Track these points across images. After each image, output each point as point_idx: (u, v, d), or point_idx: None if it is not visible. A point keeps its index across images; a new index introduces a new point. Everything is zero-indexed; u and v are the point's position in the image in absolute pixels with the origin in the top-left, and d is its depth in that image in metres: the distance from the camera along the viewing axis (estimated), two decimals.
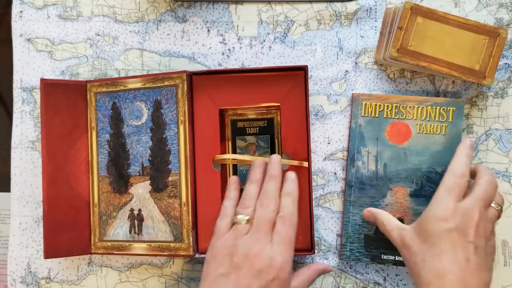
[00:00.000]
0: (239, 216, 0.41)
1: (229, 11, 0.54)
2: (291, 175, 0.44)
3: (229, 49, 0.54)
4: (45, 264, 0.53)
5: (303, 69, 0.48)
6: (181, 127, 0.48)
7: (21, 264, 0.53)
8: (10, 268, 0.53)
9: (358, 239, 0.48)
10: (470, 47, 0.47)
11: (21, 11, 0.54)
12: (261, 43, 0.53)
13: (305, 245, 0.48)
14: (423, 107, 0.48)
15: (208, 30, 0.54)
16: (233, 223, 0.42)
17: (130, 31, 0.54)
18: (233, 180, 0.46)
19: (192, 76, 0.49)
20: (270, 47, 0.53)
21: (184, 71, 0.49)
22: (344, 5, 0.53)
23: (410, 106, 0.48)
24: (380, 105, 0.48)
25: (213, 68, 0.53)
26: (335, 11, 0.53)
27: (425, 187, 0.47)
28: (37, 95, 0.54)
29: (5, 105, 0.58)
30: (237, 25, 0.54)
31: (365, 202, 0.48)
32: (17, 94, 0.54)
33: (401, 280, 0.52)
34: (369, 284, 0.53)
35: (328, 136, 0.53)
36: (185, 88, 0.48)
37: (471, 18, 0.50)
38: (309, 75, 0.53)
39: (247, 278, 0.38)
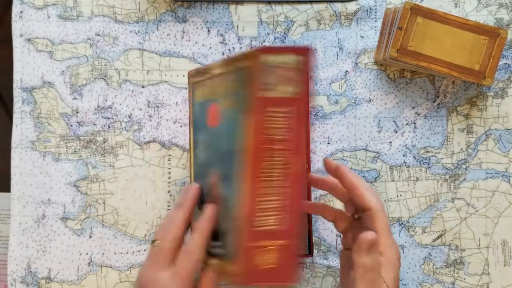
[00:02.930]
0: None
1: (229, 11, 0.54)
2: (208, 211, 0.40)
3: (229, 49, 0.54)
4: (45, 264, 0.53)
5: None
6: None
7: (21, 264, 0.53)
8: (10, 268, 0.53)
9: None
10: (470, 47, 0.47)
11: (21, 11, 0.54)
12: (261, 43, 0.53)
13: (302, 250, 0.47)
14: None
15: (208, 30, 0.54)
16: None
17: (130, 31, 0.54)
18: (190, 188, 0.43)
19: None
20: None
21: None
22: (344, 5, 0.53)
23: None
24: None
25: None
26: (335, 12, 0.53)
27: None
28: (37, 95, 0.54)
29: (5, 105, 0.58)
30: (237, 25, 0.54)
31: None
32: (17, 94, 0.54)
33: (401, 280, 0.52)
34: None
35: (328, 136, 0.53)
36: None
37: (471, 18, 0.50)
38: (309, 75, 0.53)
39: None
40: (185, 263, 0.39)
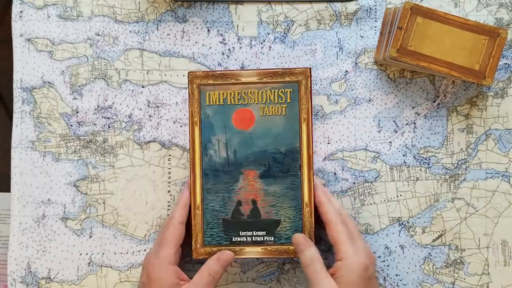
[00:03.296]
0: None
1: (229, 11, 0.54)
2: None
3: (229, 49, 0.54)
4: (45, 264, 0.53)
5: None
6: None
7: (21, 264, 0.53)
8: (10, 268, 0.53)
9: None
10: (470, 47, 0.47)
11: (21, 11, 0.54)
12: (261, 43, 0.53)
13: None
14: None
15: (208, 30, 0.54)
16: None
17: (130, 31, 0.54)
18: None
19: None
20: (270, 47, 0.53)
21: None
22: (344, 5, 0.53)
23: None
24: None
25: (213, 68, 0.53)
26: (335, 11, 0.53)
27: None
28: (37, 95, 0.54)
29: (5, 105, 0.58)
30: (237, 25, 0.54)
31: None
32: (17, 94, 0.54)
33: (401, 280, 0.52)
34: None
35: (328, 136, 0.53)
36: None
37: (471, 18, 0.50)
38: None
39: None
40: (167, 230, 0.47)
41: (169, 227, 0.48)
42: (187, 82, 0.50)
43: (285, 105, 0.49)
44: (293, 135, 0.49)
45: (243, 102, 0.49)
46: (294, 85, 0.49)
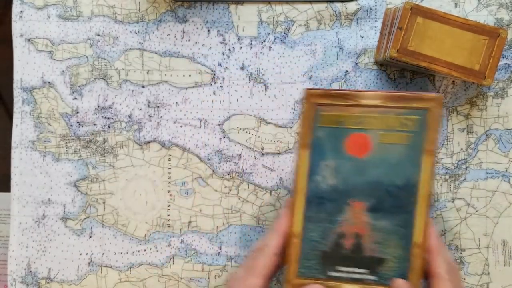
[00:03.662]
0: None
1: (229, 11, 0.54)
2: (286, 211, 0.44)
3: (229, 49, 0.54)
4: (45, 264, 0.53)
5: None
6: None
7: (21, 264, 0.53)
8: (10, 268, 0.53)
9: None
10: (470, 47, 0.47)
11: (21, 11, 0.54)
12: (261, 43, 0.53)
13: None
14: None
15: (208, 30, 0.54)
16: None
17: (130, 31, 0.54)
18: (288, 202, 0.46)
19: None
20: (270, 47, 0.53)
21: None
22: (344, 5, 0.53)
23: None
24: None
25: (212, 68, 0.53)
26: (335, 11, 0.53)
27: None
28: (37, 95, 0.54)
29: (5, 105, 0.58)
30: (237, 25, 0.54)
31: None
32: (17, 94, 0.54)
33: None
34: None
35: None
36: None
37: (471, 18, 0.50)
38: (309, 75, 0.53)
39: None
40: (259, 258, 0.43)
41: (263, 256, 0.43)
42: (302, 100, 0.45)
43: (409, 133, 0.43)
44: (413, 167, 0.43)
45: (360, 127, 0.44)
46: (422, 112, 0.43)
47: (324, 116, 0.44)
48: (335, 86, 0.53)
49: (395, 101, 0.43)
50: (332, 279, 0.44)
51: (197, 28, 0.54)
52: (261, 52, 0.53)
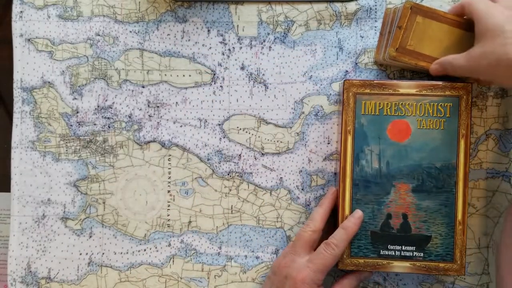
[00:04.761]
0: None
1: (229, 11, 0.54)
2: (357, 213, 0.48)
3: (229, 49, 0.54)
4: (45, 264, 0.53)
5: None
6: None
7: (21, 264, 0.53)
8: (10, 268, 0.53)
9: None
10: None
11: (21, 11, 0.54)
12: (261, 43, 0.53)
13: None
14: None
15: (208, 30, 0.54)
16: None
17: (130, 31, 0.54)
18: (330, 191, 0.50)
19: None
20: (270, 47, 0.53)
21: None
22: (344, 5, 0.53)
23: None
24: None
25: (212, 68, 0.54)
26: (335, 11, 0.53)
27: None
28: (37, 95, 0.54)
29: (5, 105, 0.58)
30: (237, 25, 0.54)
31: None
32: (17, 94, 0.54)
33: (400, 280, 0.52)
34: (369, 284, 0.53)
35: (328, 136, 0.53)
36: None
37: None
38: (309, 75, 0.53)
39: (275, 281, 0.47)
40: (323, 254, 0.46)
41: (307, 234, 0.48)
42: (342, 90, 0.49)
43: (444, 119, 0.48)
44: (450, 150, 0.48)
45: (399, 114, 0.48)
46: (454, 99, 0.48)
47: (365, 104, 0.49)
48: (335, 86, 0.53)
49: (430, 89, 0.48)
50: (383, 258, 0.49)
51: (197, 28, 0.54)
52: (261, 52, 0.53)
